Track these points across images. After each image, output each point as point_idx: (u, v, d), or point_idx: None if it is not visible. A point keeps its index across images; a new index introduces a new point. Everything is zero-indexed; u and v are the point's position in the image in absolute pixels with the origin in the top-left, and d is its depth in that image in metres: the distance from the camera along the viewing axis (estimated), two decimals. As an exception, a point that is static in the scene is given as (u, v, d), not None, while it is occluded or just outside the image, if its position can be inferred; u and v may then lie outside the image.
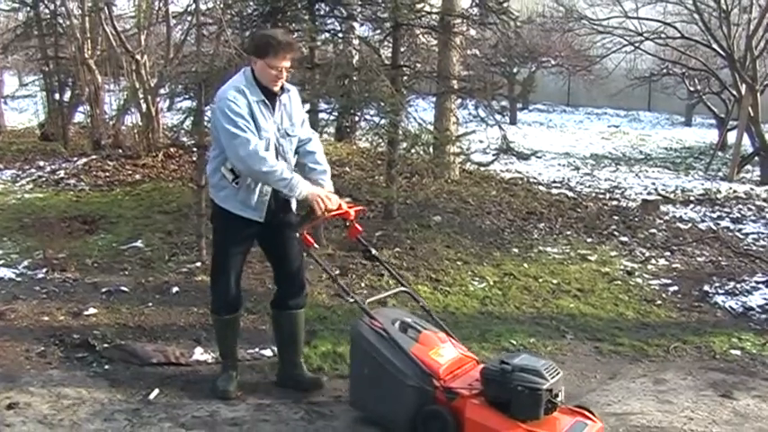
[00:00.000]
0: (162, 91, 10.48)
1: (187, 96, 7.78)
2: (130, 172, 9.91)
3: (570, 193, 10.19)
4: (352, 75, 7.40)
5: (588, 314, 5.71)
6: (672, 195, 10.48)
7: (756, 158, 12.61)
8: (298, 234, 4.05)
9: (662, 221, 8.79)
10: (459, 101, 8.78)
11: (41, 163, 10.49)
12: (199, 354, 4.65)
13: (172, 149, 10.54)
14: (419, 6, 7.70)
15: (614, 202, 9.77)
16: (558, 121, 21.27)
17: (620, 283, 6.48)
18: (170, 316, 5.30)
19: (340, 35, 8.13)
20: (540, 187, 10.54)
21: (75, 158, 10.53)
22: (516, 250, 7.24)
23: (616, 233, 8.08)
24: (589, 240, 7.78)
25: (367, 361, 3.82)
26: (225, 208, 4.06)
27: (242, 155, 3.85)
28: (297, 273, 4.25)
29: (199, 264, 6.25)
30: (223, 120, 3.89)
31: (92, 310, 5.31)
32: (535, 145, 13.00)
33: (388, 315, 4.02)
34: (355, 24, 8.48)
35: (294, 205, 4.20)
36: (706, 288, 6.37)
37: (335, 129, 11.35)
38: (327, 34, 8.00)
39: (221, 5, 7.43)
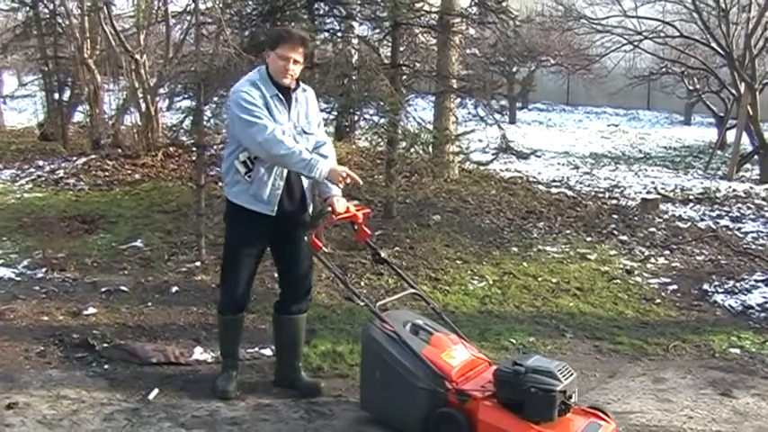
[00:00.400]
0: (161, 90, 10.47)
1: (186, 96, 7.80)
2: (130, 171, 9.90)
3: (570, 192, 10.18)
4: (352, 74, 7.41)
5: (588, 313, 5.72)
6: (671, 194, 10.47)
7: (755, 157, 12.60)
8: (306, 237, 4.04)
9: (661, 220, 8.79)
10: (459, 100, 8.77)
11: (41, 162, 10.47)
12: (198, 353, 4.65)
13: (171, 149, 10.53)
14: (418, 5, 7.71)
15: (614, 201, 9.76)
16: (557, 120, 21.29)
17: (619, 281, 6.49)
18: (169, 315, 5.29)
19: (339, 34, 8.13)
20: (540, 186, 10.53)
21: (75, 158, 10.51)
22: (516, 249, 7.24)
23: (615, 232, 8.08)
24: (588, 239, 7.78)
25: (378, 364, 3.81)
26: (237, 204, 4.06)
27: (260, 140, 3.85)
28: (304, 277, 4.24)
29: (198, 263, 6.25)
30: (238, 110, 3.91)
31: (91, 310, 5.31)
32: (534, 144, 13.03)
33: (398, 317, 4.00)
34: (354, 23, 8.47)
35: (310, 208, 4.20)
36: (705, 287, 6.37)
37: (335, 128, 11.33)
38: (326, 33, 8.01)
39: (220, 5, 7.44)
